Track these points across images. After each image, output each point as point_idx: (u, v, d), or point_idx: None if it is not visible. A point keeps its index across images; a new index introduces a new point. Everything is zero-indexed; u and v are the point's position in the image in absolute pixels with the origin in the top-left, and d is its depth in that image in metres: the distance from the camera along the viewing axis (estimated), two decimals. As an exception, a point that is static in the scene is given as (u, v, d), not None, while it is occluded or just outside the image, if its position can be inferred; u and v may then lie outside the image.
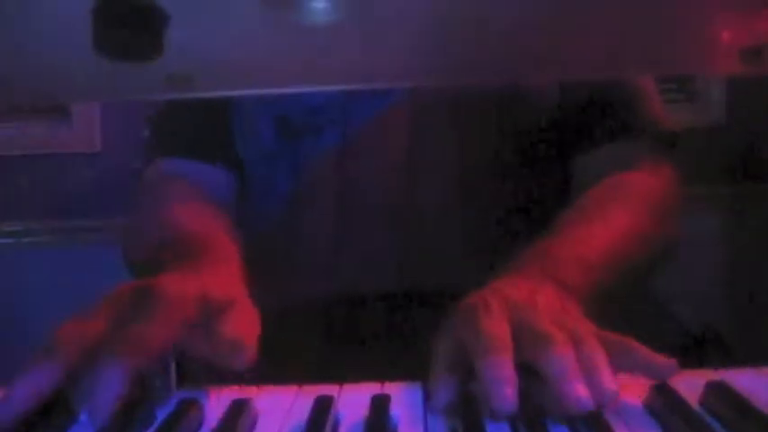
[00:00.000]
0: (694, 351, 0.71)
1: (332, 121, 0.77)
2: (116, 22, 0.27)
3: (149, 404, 0.46)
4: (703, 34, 0.34)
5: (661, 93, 0.83)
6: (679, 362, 0.46)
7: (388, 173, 0.76)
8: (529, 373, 0.44)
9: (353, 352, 0.73)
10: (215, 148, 0.81)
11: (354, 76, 0.33)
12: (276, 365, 0.52)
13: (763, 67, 0.33)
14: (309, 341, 0.75)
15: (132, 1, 0.28)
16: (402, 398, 0.46)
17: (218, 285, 0.52)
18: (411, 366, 0.50)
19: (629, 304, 0.65)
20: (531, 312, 0.48)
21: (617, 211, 0.70)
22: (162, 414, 0.45)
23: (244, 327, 0.49)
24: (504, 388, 0.42)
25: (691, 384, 0.45)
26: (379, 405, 0.44)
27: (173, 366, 0.49)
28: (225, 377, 0.48)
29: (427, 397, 0.46)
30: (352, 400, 0.46)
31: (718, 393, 0.43)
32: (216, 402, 0.47)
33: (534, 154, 0.77)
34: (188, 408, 0.44)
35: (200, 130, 0.82)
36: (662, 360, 0.45)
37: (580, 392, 0.41)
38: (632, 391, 0.45)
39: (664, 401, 0.42)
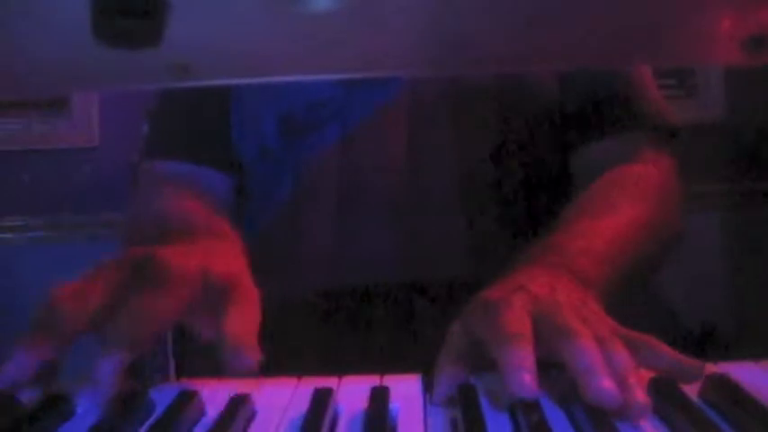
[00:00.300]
0: (693, 347, 0.71)
1: (333, 117, 0.76)
2: (116, 8, 0.27)
3: (148, 394, 0.45)
4: (704, 24, 0.34)
5: (660, 88, 0.82)
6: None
7: (389, 167, 0.75)
8: (550, 371, 0.44)
9: (353, 345, 0.73)
10: (213, 150, 0.81)
11: (356, 65, 0.33)
12: (276, 358, 0.52)
13: (766, 57, 0.33)
14: (309, 334, 0.75)
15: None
16: (401, 390, 0.46)
17: (219, 259, 0.52)
18: (411, 359, 0.50)
19: (628, 299, 0.65)
20: (554, 306, 0.48)
21: (623, 203, 0.70)
22: (162, 405, 0.45)
23: (246, 321, 0.48)
24: (524, 374, 0.41)
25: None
26: (379, 397, 0.44)
27: (170, 352, 0.49)
28: (225, 369, 0.48)
29: (428, 388, 0.46)
30: (352, 393, 0.46)
31: (718, 386, 0.43)
32: (216, 394, 0.47)
33: (535, 147, 0.77)
34: (188, 399, 0.44)
35: (198, 131, 0.82)
36: (689, 361, 0.45)
37: (606, 385, 0.40)
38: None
39: (663, 394, 0.42)
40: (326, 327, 0.75)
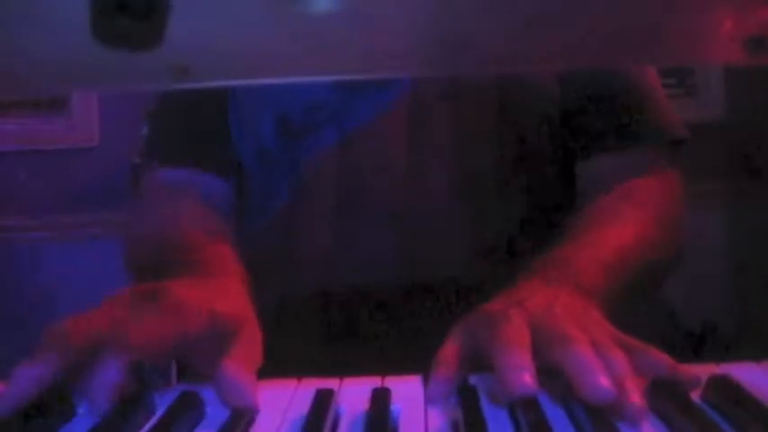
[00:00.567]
0: (694, 347, 0.71)
1: (332, 120, 0.76)
2: (115, 9, 0.26)
3: (149, 396, 0.45)
4: (704, 23, 0.34)
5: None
6: (679, 358, 0.46)
7: (388, 170, 0.75)
8: (550, 373, 0.44)
9: (354, 347, 0.73)
10: (211, 152, 0.81)
11: (355, 66, 0.33)
12: (276, 360, 0.52)
13: (766, 57, 0.32)
14: (310, 336, 0.75)
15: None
16: (402, 392, 0.46)
17: (227, 302, 0.52)
18: (412, 360, 0.50)
19: (629, 309, 0.65)
20: (551, 317, 0.48)
21: (629, 217, 0.70)
22: (162, 407, 0.45)
23: (247, 363, 0.48)
24: (523, 373, 0.42)
25: (692, 378, 0.45)
26: (380, 399, 0.44)
27: (173, 361, 0.49)
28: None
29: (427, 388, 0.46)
30: (353, 394, 0.46)
31: (720, 387, 0.43)
32: (216, 395, 0.47)
33: (536, 151, 0.77)
34: (188, 400, 0.44)
35: (197, 133, 0.82)
36: (687, 372, 0.45)
37: (602, 381, 0.41)
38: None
39: (665, 395, 0.42)
40: (326, 328, 0.75)
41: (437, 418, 0.43)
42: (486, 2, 0.33)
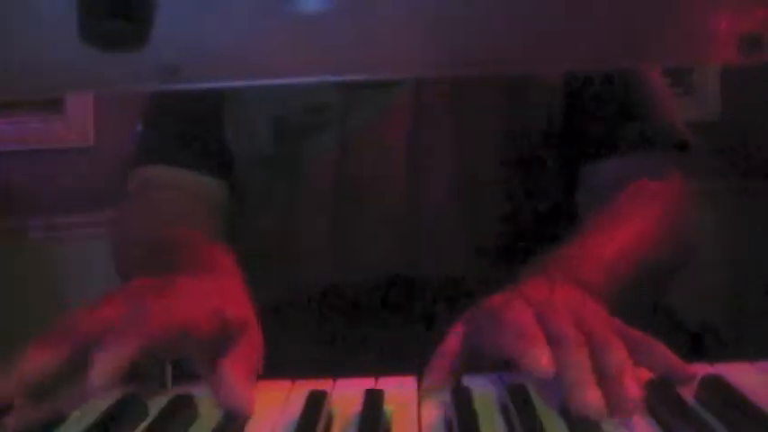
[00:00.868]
0: (691, 346, 0.71)
1: (331, 120, 0.76)
2: (102, 10, 0.26)
3: (142, 399, 0.45)
4: (701, 23, 0.34)
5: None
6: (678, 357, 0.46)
7: (388, 170, 0.75)
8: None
9: (353, 347, 0.73)
10: (205, 153, 0.80)
11: (350, 67, 0.33)
12: (275, 360, 0.52)
13: (763, 56, 0.32)
14: (308, 336, 0.74)
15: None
16: (396, 392, 0.46)
17: (236, 303, 0.52)
18: (407, 361, 0.50)
19: (633, 309, 0.65)
20: (550, 309, 0.48)
21: (634, 217, 0.70)
22: (155, 409, 0.44)
23: (246, 367, 0.48)
24: (542, 356, 0.42)
25: (686, 378, 0.45)
26: (373, 400, 0.43)
27: (168, 363, 0.49)
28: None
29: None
30: (346, 395, 0.46)
31: (713, 387, 0.43)
32: (210, 397, 0.46)
33: (537, 153, 0.77)
34: (181, 403, 0.44)
35: (190, 135, 0.81)
36: (684, 368, 0.45)
37: (590, 397, 0.40)
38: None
39: (659, 395, 0.42)
40: (325, 328, 0.75)
41: (431, 419, 0.43)
42: (488, 2, 0.33)
